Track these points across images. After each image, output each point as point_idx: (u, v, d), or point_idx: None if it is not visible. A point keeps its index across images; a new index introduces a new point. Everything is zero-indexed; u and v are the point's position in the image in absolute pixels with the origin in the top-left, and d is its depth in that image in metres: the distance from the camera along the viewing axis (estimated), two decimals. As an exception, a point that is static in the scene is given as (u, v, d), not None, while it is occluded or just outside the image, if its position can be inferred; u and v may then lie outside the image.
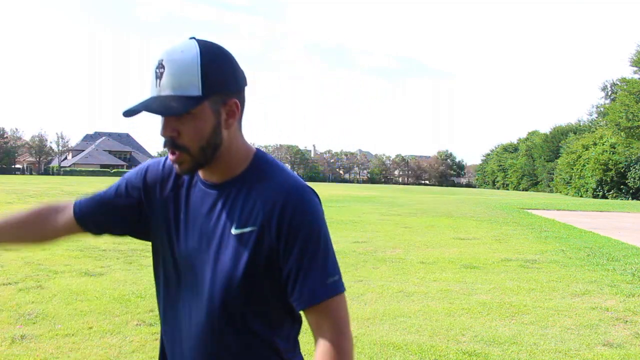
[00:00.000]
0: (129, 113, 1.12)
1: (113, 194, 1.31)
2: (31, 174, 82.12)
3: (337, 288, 1.16)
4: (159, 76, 1.10)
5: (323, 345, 1.15)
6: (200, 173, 1.23)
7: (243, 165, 1.20)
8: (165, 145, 1.15)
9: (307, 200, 1.17)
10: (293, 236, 1.14)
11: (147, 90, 1.15)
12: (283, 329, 1.23)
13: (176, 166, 1.17)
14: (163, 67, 1.10)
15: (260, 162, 1.21)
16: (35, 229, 1.33)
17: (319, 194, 1.23)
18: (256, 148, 1.26)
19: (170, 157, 1.17)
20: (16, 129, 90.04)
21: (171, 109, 1.09)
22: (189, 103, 1.09)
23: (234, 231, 1.16)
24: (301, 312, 1.20)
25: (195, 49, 1.11)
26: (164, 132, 1.12)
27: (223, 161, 1.17)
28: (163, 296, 1.28)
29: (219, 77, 1.12)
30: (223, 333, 1.19)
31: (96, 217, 1.31)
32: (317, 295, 1.14)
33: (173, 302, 1.26)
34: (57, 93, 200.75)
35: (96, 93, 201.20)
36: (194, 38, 1.14)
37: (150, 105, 1.10)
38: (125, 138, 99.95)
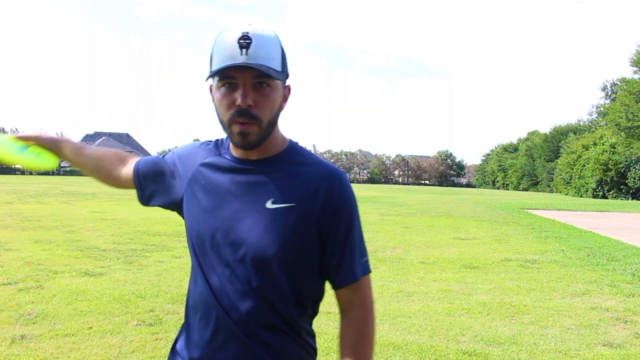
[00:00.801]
0: (228, 69, 1.14)
1: (165, 161, 1.40)
2: (31, 174, 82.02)
3: (368, 268, 1.28)
4: (244, 46, 1.14)
5: (353, 317, 1.26)
6: (234, 151, 1.27)
7: (280, 147, 1.27)
8: (239, 115, 1.16)
9: (348, 184, 1.27)
10: (339, 217, 1.22)
11: (220, 58, 1.16)
12: (306, 312, 1.27)
13: (239, 138, 1.18)
14: (250, 39, 1.14)
15: (297, 147, 1.30)
16: (106, 169, 1.48)
17: None
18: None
19: (239, 127, 1.18)
20: (16, 129, 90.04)
21: (270, 72, 1.15)
22: (277, 73, 1.16)
23: (269, 205, 1.20)
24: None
25: (272, 32, 1.19)
26: (244, 101, 1.15)
27: (267, 141, 1.23)
28: (195, 268, 1.28)
29: (287, 61, 1.22)
30: (251, 308, 1.20)
31: (147, 178, 1.40)
32: (356, 274, 1.25)
33: (203, 271, 1.26)
34: (57, 93, 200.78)
35: (96, 93, 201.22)
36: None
37: (255, 64, 1.14)
38: (125, 138, 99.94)
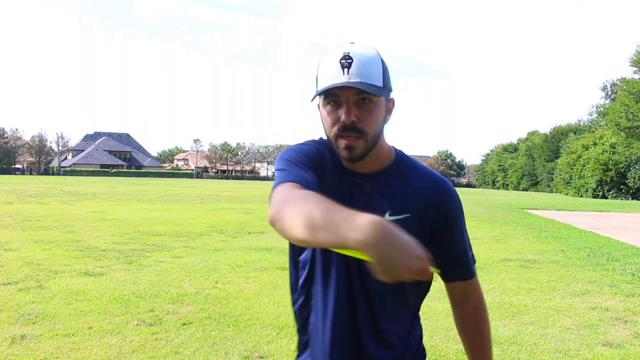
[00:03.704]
0: (327, 92, 1.20)
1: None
2: (31, 174, 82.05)
3: (474, 259, 1.43)
4: (346, 66, 1.19)
5: (470, 306, 1.42)
6: (347, 165, 1.30)
7: (389, 158, 1.33)
8: (344, 130, 1.21)
9: (455, 191, 1.37)
10: (452, 221, 1.33)
11: (324, 78, 1.22)
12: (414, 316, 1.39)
13: (345, 152, 1.23)
14: (351, 58, 1.20)
15: (405, 157, 1.37)
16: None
17: None
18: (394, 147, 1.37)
19: (344, 142, 1.22)
20: (16, 129, 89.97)
21: (370, 89, 1.19)
22: (377, 90, 1.21)
23: (388, 217, 1.26)
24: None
25: (373, 49, 1.24)
26: (348, 117, 1.20)
27: (374, 154, 1.28)
28: (335, 287, 1.30)
29: (389, 76, 1.27)
30: (373, 320, 1.28)
31: None
32: (472, 271, 1.40)
33: (332, 288, 1.29)
34: (57, 93, 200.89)
35: (96, 93, 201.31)
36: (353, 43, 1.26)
37: (354, 84, 1.18)
38: (125, 138, 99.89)
